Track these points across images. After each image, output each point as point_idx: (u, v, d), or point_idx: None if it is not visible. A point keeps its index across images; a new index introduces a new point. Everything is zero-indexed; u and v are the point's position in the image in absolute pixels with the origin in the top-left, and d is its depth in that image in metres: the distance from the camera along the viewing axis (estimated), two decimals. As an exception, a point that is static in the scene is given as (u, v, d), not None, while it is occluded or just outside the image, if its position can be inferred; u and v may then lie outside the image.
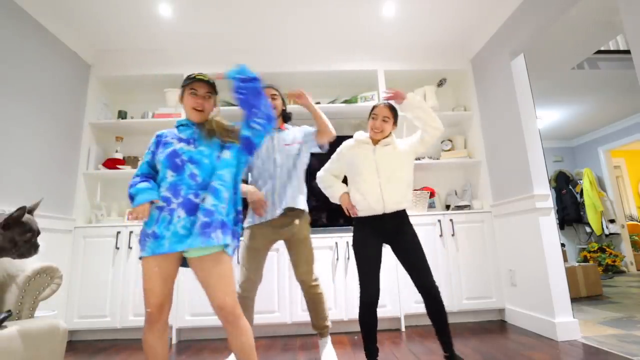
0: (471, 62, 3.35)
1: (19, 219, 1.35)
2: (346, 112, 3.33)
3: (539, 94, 4.17)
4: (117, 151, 3.20)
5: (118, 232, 2.81)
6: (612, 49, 3.74)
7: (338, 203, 1.92)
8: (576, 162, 6.40)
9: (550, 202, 2.50)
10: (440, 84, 3.47)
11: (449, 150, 3.38)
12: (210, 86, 1.50)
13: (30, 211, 1.46)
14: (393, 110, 1.89)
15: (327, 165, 2.02)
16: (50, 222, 2.57)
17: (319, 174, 2.03)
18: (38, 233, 1.43)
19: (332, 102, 3.40)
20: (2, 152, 2.27)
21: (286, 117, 2.19)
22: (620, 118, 5.43)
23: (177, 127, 1.53)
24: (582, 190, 5.77)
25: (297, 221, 1.98)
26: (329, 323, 2.11)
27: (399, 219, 1.82)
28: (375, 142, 1.88)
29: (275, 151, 2.03)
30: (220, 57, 3.25)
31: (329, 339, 2.11)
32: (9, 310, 1.39)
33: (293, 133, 2.16)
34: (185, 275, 2.70)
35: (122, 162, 3.16)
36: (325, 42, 3.24)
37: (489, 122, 3.09)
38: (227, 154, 1.44)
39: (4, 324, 1.32)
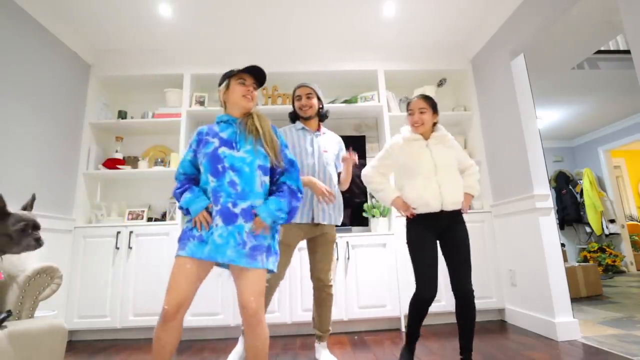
0: (471, 62, 3.36)
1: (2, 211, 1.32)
2: (346, 112, 3.33)
3: (539, 94, 4.17)
4: (117, 151, 3.20)
5: (118, 232, 2.81)
6: (612, 49, 3.75)
7: (389, 207, 1.90)
8: (576, 162, 6.40)
9: (550, 202, 2.50)
10: (440, 84, 3.47)
11: (449, 150, 3.37)
12: (259, 80, 1.53)
13: (25, 208, 1.45)
14: (428, 100, 1.84)
15: (374, 163, 1.94)
16: (50, 222, 2.57)
17: (366, 172, 1.95)
18: (36, 225, 1.38)
19: (332, 102, 3.40)
20: (2, 152, 2.27)
21: (323, 116, 2.16)
22: (620, 118, 5.43)
23: (217, 122, 1.51)
24: (582, 190, 5.77)
25: (331, 227, 2.05)
26: (331, 328, 2.11)
27: (455, 216, 1.81)
28: (427, 137, 1.85)
29: (315, 156, 2.03)
30: (220, 57, 3.26)
31: (326, 343, 2.10)
32: (9, 310, 1.39)
33: (329, 140, 2.15)
34: (185, 275, 2.70)
35: (122, 162, 3.16)
36: (325, 42, 3.24)
37: (489, 122, 3.09)
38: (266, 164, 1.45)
39: (4, 324, 1.32)
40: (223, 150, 1.41)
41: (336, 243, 2.82)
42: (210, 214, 1.38)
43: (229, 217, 1.34)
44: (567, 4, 2.22)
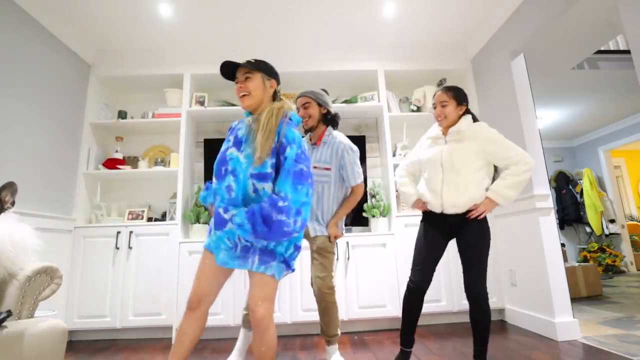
0: (471, 62, 3.35)
1: None
2: (346, 112, 3.32)
3: (539, 94, 4.17)
4: (117, 151, 3.20)
5: (118, 232, 2.81)
6: (612, 49, 3.75)
7: (409, 206, 1.91)
8: (576, 162, 6.40)
9: (550, 202, 2.50)
10: (440, 84, 3.47)
11: (449, 150, 3.37)
12: (245, 67, 1.39)
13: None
14: (451, 91, 1.74)
15: (403, 162, 1.96)
16: (50, 222, 2.57)
17: (398, 171, 1.97)
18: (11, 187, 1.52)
19: (332, 102, 3.39)
20: (2, 152, 2.27)
21: (331, 122, 1.98)
22: (620, 118, 5.43)
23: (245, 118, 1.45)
24: (582, 190, 5.77)
25: (319, 239, 1.97)
26: (338, 332, 1.99)
27: (464, 218, 1.69)
28: (445, 132, 1.77)
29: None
30: (220, 57, 3.21)
31: (336, 347, 1.99)
32: (9, 310, 1.38)
33: (328, 153, 1.95)
34: (185, 275, 2.70)
35: (122, 162, 3.16)
36: (325, 42, 3.24)
37: (489, 122, 3.06)
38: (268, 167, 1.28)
39: (4, 324, 1.32)
40: (231, 152, 1.35)
41: (336, 243, 2.83)
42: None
43: (219, 222, 1.33)
44: (567, 4, 2.22)
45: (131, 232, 2.82)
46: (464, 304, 2.83)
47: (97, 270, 2.76)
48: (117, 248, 2.79)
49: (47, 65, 2.68)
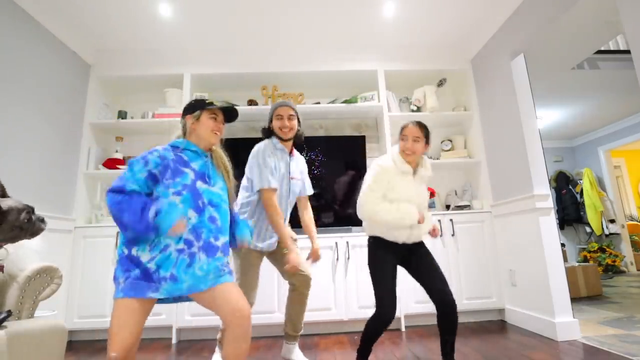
0: (471, 62, 3.35)
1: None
2: (346, 112, 3.32)
3: (539, 94, 4.16)
4: (117, 151, 3.20)
5: (118, 232, 2.81)
6: (612, 49, 3.74)
7: (414, 222, 1.71)
8: (576, 162, 6.40)
9: (550, 202, 2.50)
10: (440, 84, 3.47)
11: (449, 150, 3.38)
12: (230, 117, 1.52)
13: (3, 195, 1.48)
14: (423, 128, 1.76)
15: (370, 191, 1.70)
16: (50, 222, 2.54)
17: (365, 203, 1.70)
18: (31, 208, 1.43)
19: (332, 102, 3.40)
20: (2, 152, 2.27)
21: (298, 138, 2.04)
22: (620, 118, 5.43)
23: (183, 150, 1.40)
24: (582, 190, 5.77)
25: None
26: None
27: (417, 243, 1.80)
28: (414, 166, 1.77)
29: (286, 182, 1.98)
30: (220, 57, 3.26)
31: (297, 344, 2.09)
32: (9, 310, 1.38)
33: (301, 165, 2.12)
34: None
35: (122, 162, 3.16)
36: (325, 42, 3.24)
37: (489, 122, 3.09)
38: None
39: (4, 324, 1.32)
40: (200, 185, 1.37)
41: (336, 243, 2.83)
42: (178, 253, 1.28)
43: (212, 250, 1.34)
44: (567, 4, 2.22)
45: (131, 232, 2.81)
46: (464, 304, 2.83)
47: (97, 270, 2.76)
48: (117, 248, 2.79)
49: (47, 65, 2.68)
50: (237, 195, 1.98)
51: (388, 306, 1.69)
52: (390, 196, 1.71)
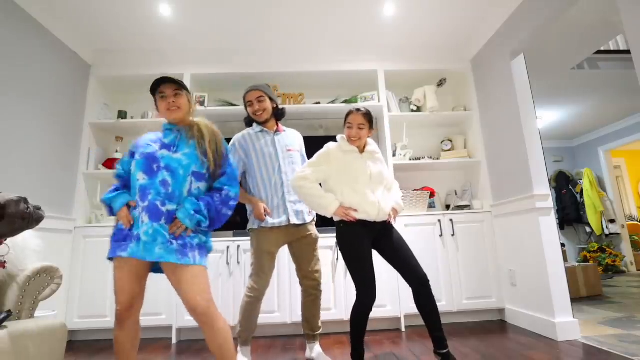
0: (471, 62, 3.35)
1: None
2: (346, 112, 3.32)
3: (539, 94, 4.17)
4: (117, 151, 3.20)
5: (118, 232, 2.81)
6: (612, 49, 3.75)
7: (328, 216, 1.82)
8: (576, 162, 6.40)
9: (550, 202, 2.50)
10: (440, 84, 3.47)
11: (449, 150, 3.38)
12: (176, 84, 1.49)
13: None
14: (367, 116, 1.87)
15: (309, 169, 1.84)
16: (50, 222, 2.57)
17: (300, 180, 1.81)
18: (24, 198, 1.43)
19: (332, 102, 3.40)
20: (2, 152, 2.27)
21: (279, 115, 2.11)
22: (620, 118, 5.43)
23: (164, 130, 1.52)
24: (582, 190, 5.77)
25: (311, 226, 2.04)
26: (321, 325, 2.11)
27: (385, 225, 1.86)
28: (362, 150, 1.89)
29: (280, 158, 2.00)
30: (220, 57, 3.26)
31: (318, 342, 2.10)
32: (9, 310, 1.39)
33: (293, 137, 2.13)
34: (185, 275, 2.70)
35: (122, 162, 3.15)
36: (325, 42, 3.24)
37: (489, 122, 3.09)
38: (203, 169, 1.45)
39: (4, 324, 1.32)
40: (162, 153, 1.42)
41: (336, 243, 2.83)
42: (130, 210, 1.39)
43: (156, 214, 1.33)
44: (567, 4, 2.22)
45: (131, 232, 2.82)
46: (464, 304, 2.83)
47: (97, 270, 2.76)
48: (117, 248, 2.79)
49: (47, 65, 2.68)
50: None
51: (368, 289, 1.72)
52: (343, 179, 1.81)
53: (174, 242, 1.32)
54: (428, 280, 1.76)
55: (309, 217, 2.04)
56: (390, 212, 1.85)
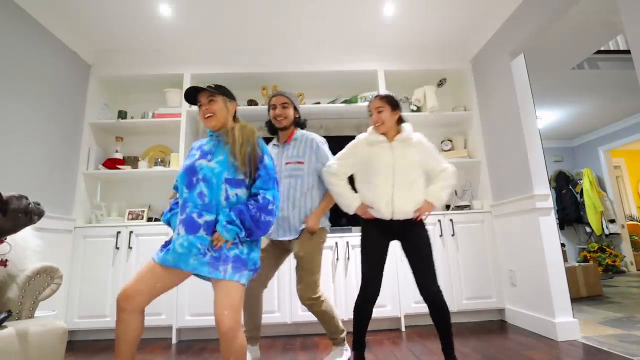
0: (471, 62, 3.35)
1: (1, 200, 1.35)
2: (346, 112, 3.32)
3: (538, 94, 4.17)
4: (117, 151, 3.20)
5: (118, 232, 2.81)
6: (612, 49, 3.75)
7: (350, 212, 1.81)
8: (576, 162, 6.40)
9: (550, 202, 2.50)
10: (440, 84, 3.47)
11: (449, 150, 3.38)
12: (208, 91, 1.49)
13: None
14: (384, 99, 1.79)
15: (335, 164, 1.83)
16: (50, 222, 2.57)
17: (329, 176, 1.83)
18: (24, 195, 1.44)
19: (332, 102, 3.40)
20: (2, 152, 2.27)
21: (300, 125, 2.07)
22: (620, 118, 5.43)
23: (208, 136, 1.56)
24: (582, 190, 5.77)
25: (297, 242, 1.92)
26: (341, 334, 2.00)
27: (410, 223, 1.77)
28: (391, 138, 1.79)
29: (280, 170, 1.98)
30: (220, 57, 3.26)
31: (342, 347, 2.00)
32: (9, 310, 1.38)
33: (299, 148, 2.01)
34: (185, 275, 2.70)
35: (122, 162, 3.16)
36: (325, 42, 3.24)
37: (489, 122, 3.09)
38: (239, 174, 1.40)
39: (4, 324, 1.32)
40: (200, 163, 1.42)
41: (336, 243, 2.83)
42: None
43: (192, 227, 1.33)
44: (567, 4, 2.22)
45: (131, 232, 2.82)
46: (464, 304, 2.83)
47: (97, 270, 2.76)
48: (117, 248, 2.79)
49: (47, 65, 2.68)
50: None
51: (371, 281, 1.73)
52: (364, 173, 1.79)
53: (207, 253, 1.32)
54: (436, 295, 1.68)
55: (288, 234, 1.94)
56: (417, 209, 1.74)
